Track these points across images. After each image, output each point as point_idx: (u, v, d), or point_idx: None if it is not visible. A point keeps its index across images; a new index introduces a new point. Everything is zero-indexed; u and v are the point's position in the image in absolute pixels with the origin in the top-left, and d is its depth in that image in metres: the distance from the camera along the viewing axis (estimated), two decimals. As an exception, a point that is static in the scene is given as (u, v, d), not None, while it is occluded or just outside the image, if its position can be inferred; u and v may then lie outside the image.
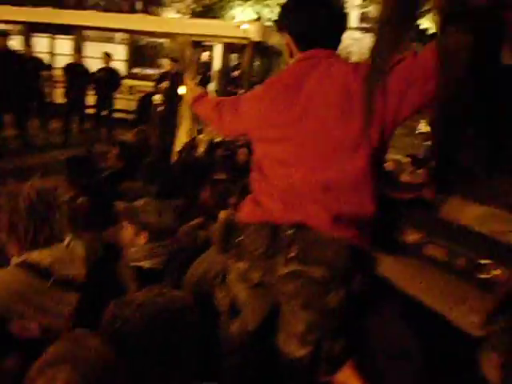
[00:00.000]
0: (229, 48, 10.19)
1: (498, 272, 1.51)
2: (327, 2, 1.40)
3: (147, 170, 3.07)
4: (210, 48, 11.09)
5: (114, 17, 12.54)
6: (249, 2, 21.09)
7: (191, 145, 4.00)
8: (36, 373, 0.88)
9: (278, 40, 11.15)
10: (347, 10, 1.53)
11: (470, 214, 1.87)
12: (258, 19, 20.56)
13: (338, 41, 1.42)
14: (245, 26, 9.43)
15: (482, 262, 1.57)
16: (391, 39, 1.01)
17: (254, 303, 1.34)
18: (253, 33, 9.31)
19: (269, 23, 21.18)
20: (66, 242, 1.40)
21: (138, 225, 1.82)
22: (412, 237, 1.67)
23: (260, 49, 9.71)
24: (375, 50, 1.11)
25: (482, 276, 1.53)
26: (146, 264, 1.69)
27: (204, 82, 10.85)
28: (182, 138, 3.77)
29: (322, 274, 1.26)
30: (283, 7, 1.49)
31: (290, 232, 1.29)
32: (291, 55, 1.47)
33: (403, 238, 1.69)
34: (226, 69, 10.35)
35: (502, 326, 1.09)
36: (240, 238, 1.38)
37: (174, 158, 3.98)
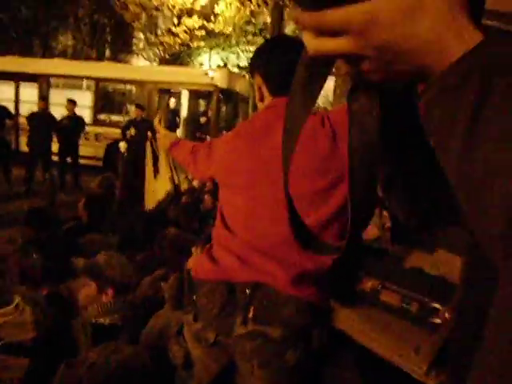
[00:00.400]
0: (196, 94, 10.43)
1: (449, 315, 1.55)
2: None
3: (110, 221, 3.04)
4: (177, 95, 11.31)
5: (81, 64, 12.71)
6: (216, 49, 21.79)
7: (175, 193, 3.98)
8: None
9: (244, 86, 11.53)
10: None
11: (421, 259, 1.94)
12: (225, 66, 21.23)
13: None
14: (211, 73, 9.70)
15: (435, 305, 1.62)
16: (303, 101, 1.07)
17: (208, 361, 1.31)
18: (219, 79, 9.57)
19: (235, 69, 21.94)
20: (14, 304, 1.37)
21: (102, 281, 1.80)
22: (368, 284, 1.71)
23: (227, 95, 9.97)
24: (287, 114, 1.17)
25: (435, 320, 1.57)
26: (106, 320, 1.65)
27: (172, 128, 11.02)
28: (163, 186, 3.73)
29: (279, 333, 1.24)
30: (258, 48, 1.48)
31: (247, 292, 1.27)
32: (261, 99, 1.44)
33: (360, 286, 1.73)
34: (193, 115, 10.55)
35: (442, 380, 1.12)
36: (195, 296, 1.36)
37: (149, 206, 3.92)
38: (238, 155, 1.37)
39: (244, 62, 22.10)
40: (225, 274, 1.32)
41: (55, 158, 8.54)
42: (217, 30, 18.45)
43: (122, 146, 5.27)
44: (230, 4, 17.54)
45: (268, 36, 12.30)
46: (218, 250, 1.38)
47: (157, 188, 4.09)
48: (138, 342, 1.59)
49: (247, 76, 19.49)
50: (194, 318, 1.34)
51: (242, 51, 21.42)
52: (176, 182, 4.13)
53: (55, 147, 8.50)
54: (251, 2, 17.74)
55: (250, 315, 1.25)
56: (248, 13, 18.08)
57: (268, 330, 1.24)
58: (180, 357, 1.35)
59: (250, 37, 20.29)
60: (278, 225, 1.26)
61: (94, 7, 21.30)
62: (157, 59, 21.45)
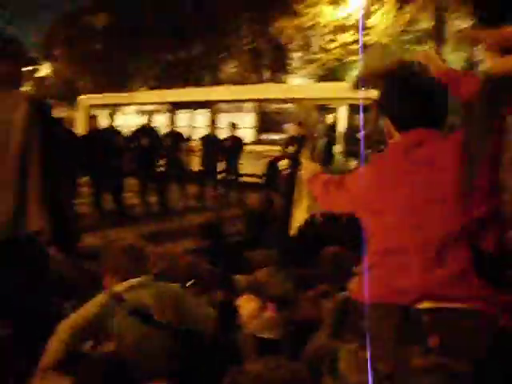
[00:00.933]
0: (353, 109, 10.28)
1: None
2: (427, 88, 1.42)
3: (271, 238, 3.14)
4: (334, 110, 11.32)
5: (243, 89, 13.71)
6: (372, 62, 21.25)
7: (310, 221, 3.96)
8: None
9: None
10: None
11: None
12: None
13: (441, 122, 1.41)
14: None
15: None
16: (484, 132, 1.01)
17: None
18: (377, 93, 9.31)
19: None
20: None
21: (264, 297, 1.84)
22: None
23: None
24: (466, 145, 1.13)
25: None
26: (267, 335, 1.69)
27: (330, 144, 11.05)
28: (300, 215, 3.73)
29: (466, 368, 1.10)
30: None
31: (426, 317, 1.16)
32: (390, 137, 1.51)
33: None
34: (351, 130, 10.41)
35: None
36: (360, 322, 1.27)
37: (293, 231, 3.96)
38: (378, 184, 1.41)
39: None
40: (396, 295, 1.23)
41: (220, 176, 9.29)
42: (372, 43, 18.04)
43: (283, 163, 5.45)
44: (384, 15, 17.03)
45: (429, 43, 11.52)
46: (383, 272, 1.31)
47: (296, 214, 4.11)
48: (297, 358, 1.58)
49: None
50: (360, 347, 1.26)
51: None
52: (312, 212, 4.11)
53: (221, 166, 9.25)
54: (407, 10, 16.96)
55: (431, 345, 1.14)
56: (405, 21, 17.32)
57: (452, 364, 1.10)
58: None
59: (408, 46, 19.35)
60: (454, 250, 1.20)
61: (253, 36, 22.85)
62: (312, 76, 21.94)
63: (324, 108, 10.81)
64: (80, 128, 11.47)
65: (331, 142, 11.08)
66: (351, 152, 10.18)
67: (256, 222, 3.72)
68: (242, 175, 9.50)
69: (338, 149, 11.39)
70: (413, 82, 1.46)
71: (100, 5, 26.30)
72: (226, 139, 9.31)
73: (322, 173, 1.89)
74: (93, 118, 8.36)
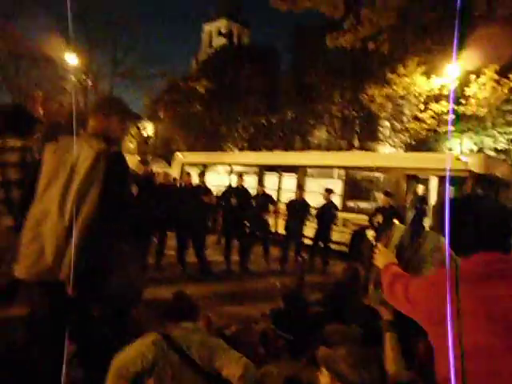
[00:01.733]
0: (445, 181, 9.84)
1: None
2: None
3: (354, 312, 3.00)
4: (425, 181, 10.94)
5: (332, 155, 13.81)
6: (468, 133, 20.53)
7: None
8: None
9: (506, 171, 10.36)
10: None
11: None
12: (480, 150, 19.68)
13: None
14: (464, 158, 9.09)
15: None
16: None
17: None
18: (474, 164, 8.87)
19: (492, 153, 20.05)
20: None
21: (334, 374, 1.75)
22: None
23: (484, 181, 9.08)
24: None
25: None
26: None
27: (420, 215, 10.58)
28: None
29: None
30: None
31: None
32: None
33: None
34: (443, 202, 9.92)
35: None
36: None
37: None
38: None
39: (503, 145, 20.07)
40: None
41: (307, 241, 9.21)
42: (469, 113, 17.49)
43: (370, 234, 5.28)
44: (484, 84, 16.52)
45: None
46: None
47: None
48: None
49: (509, 160, 17.54)
50: None
51: (500, 133, 19.52)
52: None
53: (310, 232, 9.17)
54: (510, 80, 16.31)
55: None
56: (506, 91, 16.63)
57: None
58: None
59: (510, 117, 18.44)
60: None
61: (344, 103, 23.28)
62: (403, 145, 21.60)
63: (415, 178, 10.48)
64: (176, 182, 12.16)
65: (421, 213, 10.62)
66: (441, 226, 9.61)
67: (339, 293, 3.58)
68: (330, 242, 9.34)
69: (428, 221, 10.88)
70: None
71: (203, 72, 28.68)
72: (322, 206, 9.28)
73: (393, 263, 1.94)
74: (188, 174, 8.84)
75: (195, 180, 8.99)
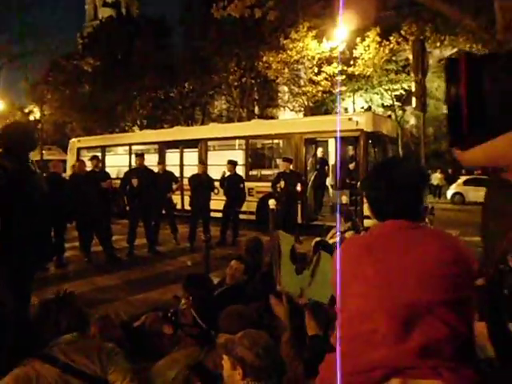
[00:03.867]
0: (343, 141, 10.31)
1: None
2: (404, 172, 1.41)
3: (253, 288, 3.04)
4: (324, 143, 11.37)
5: (232, 126, 13.81)
6: (358, 93, 21.68)
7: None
8: None
9: (391, 127, 11.09)
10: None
11: None
12: (369, 108, 20.95)
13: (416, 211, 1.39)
14: (355, 118, 9.53)
15: None
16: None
17: None
18: (364, 123, 9.34)
19: (380, 109, 21.44)
20: None
21: (234, 359, 1.74)
22: None
23: (374, 138, 9.63)
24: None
25: None
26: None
27: (321, 177, 11.05)
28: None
29: None
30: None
31: None
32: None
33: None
34: (342, 162, 10.40)
35: None
36: None
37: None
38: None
39: (388, 101, 21.57)
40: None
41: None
42: (357, 73, 18.53)
43: (271, 202, 5.38)
44: (368, 46, 17.56)
45: (411, 72, 11.67)
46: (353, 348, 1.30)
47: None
48: None
49: (393, 116, 18.94)
50: None
51: (386, 90, 21.00)
52: None
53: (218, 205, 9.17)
54: (390, 42, 17.56)
55: None
56: (387, 51, 17.88)
57: None
58: None
59: (392, 75, 19.85)
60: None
61: (241, 72, 23.24)
62: (302, 109, 22.24)
63: (313, 142, 10.84)
64: (70, 171, 11.40)
65: (322, 174, 11.09)
66: (343, 184, 10.15)
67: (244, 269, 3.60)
68: (239, 213, 9.38)
69: (329, 181, 11.41)
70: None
71: (88, 49, 26.81)
72: (225, 177, 9.25)
73: None
74: (81, 161, 8.32)
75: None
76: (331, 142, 11.33)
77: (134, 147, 13.57)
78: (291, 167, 9.02)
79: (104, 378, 2.09)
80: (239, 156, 11.10)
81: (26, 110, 29.71)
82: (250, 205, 10.27)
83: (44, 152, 19.95)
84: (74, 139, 15.99)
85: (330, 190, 11.31)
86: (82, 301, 2.81)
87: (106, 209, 7.99)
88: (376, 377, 1.18)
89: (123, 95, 24.32)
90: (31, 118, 28.29)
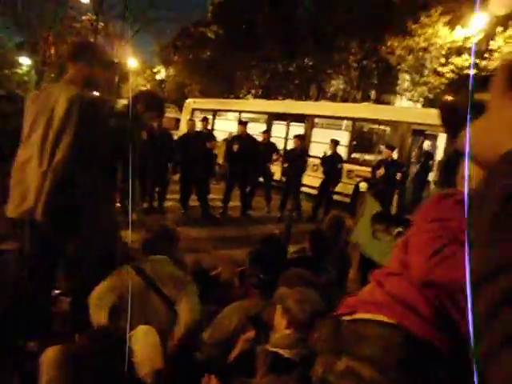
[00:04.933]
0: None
1: None
2: None
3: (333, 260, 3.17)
4: (432, 137, 10.81)
5: (341, 106, 13.63)
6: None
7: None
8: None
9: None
10: None
11: None
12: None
13: None
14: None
15: None
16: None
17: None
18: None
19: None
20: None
21: (284, 309, 1.91)
22: None
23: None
24: None
25: None
26: (284, 353, 1.73)
27: (424, 171, 10.55)
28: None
29: (370, 373, 1.16)
30: None
31: (344, 323, 1.29)
32: None
33: None
34: (449, 159, 9.81)
35: None
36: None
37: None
38: None
39: None
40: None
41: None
42: (491, 68, 16.85)
43: (362, 185, 5.36)
44: (511, 38, 15.78)
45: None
46: None
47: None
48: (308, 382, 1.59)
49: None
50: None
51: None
52: None
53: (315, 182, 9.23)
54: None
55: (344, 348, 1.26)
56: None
57: (359, 367, 1.19)
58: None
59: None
60: None
61: (363, 54, 22.54)
62: (421, 99, 21.04)
63: (421, 134, 10.35)
64: (183, 129, 12.22)
65: (426, 169, 10.58)
66: (448, 181, 9.60)
67: (320, 241, 3.71)
68: (333, 193, 9.42)
69: (431, 176, 10.86)
70: None
71: (216, 17, 27.85)
72: (326, 155, 9.30)
73: None
74: (193, 121, 8.89)
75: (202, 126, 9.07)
76: (441, 137, 10.71)
77: (244, 115, 14.06)
78: (394, 156, 8.78)
79: (174, 303, 2.43)
80: (344, 137, 11.02)
81: (155, 70, 32.02)
82: (346, 187, 10.21)
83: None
84: (189, 100, 16.92)
85: (432, 185, 10.77)
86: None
87: (208, 168, 8.54)
88: None
89: (242, 64, 25.04)
90: (157, 77, 30.63)
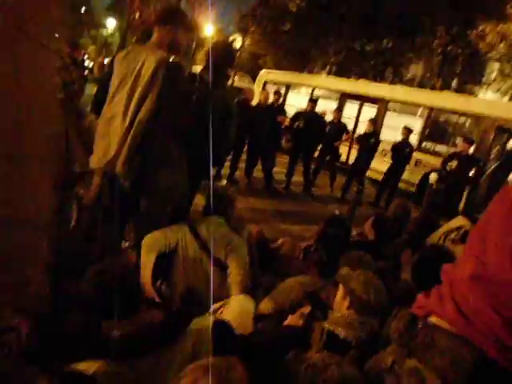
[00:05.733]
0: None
1: None
2: None
3: (394, 249, 3.11)
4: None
5: (419, 92, 12.99)
6: None
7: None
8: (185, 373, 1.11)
9: None
10: None
11: None
12: None
13: None
14: None
15: None
16: None
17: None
18: None
19: None
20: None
21: (347, 289, 1.91)
22: None
23: None
24: None
25: None
26: (342, 332, 1.74)
27: (504, 170, 9.86)
28: None
29: (435, 382, 1.15)
30: None
31: (419, 325, 1.26)
32: None
33: None
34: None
35: None
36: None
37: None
38: None
39: None
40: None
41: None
42: None
43: (432, 177, 5.13)
44: None
45: None
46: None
47: None
48: (360, 366, 1.60)
49: None
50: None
51: None
52: None
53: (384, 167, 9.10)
54: None
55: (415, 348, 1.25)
56: None
57: (426, 374, 1.19)
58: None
59: None
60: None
61: (449, 38, 21.23)
62: (510, 92, 19.66)
63: (507, 131, 9.67)
64: (256, 99, 12.22)
65: (506, 168, 9.90)
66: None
67: (384, 228, 3.63)
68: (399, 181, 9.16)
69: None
70: None
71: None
72: (398, 142, 8.97)
73: None
74: (266, 92, 8.86)
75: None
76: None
77: (316, 91, 13.82)
78: (471, 150, 8.31)
79: (225, 266, 2.56)
80: (417, 124, 10.56)
81: (231, 38, 32.14)
82: (413, 177, 9.86)
83: (236, 78, 21.62)
84: (264, 70, 16.82)
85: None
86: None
87: (276, 141, 8.56)
88: None
89: (319, 39, 24.45)
90: (233, 45, 30.78)
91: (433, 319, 1.25)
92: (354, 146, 9.65)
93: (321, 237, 3.05)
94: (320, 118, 8.86)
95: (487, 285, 1.17)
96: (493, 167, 9.62)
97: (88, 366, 1.36)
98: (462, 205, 8.96)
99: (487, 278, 1.18)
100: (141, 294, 2.38)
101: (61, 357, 1.40)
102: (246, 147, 8.25)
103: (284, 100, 13.52)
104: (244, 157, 8.33)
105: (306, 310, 2.14)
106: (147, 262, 2.52)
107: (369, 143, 8.65)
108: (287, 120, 8.62)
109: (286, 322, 2.09)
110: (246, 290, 2.57)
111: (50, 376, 1.21)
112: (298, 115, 8.85)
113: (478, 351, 1.13)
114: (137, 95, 2.56)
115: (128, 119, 2.56)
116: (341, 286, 1.98)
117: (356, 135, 10.07)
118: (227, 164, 7.96)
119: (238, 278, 2.55)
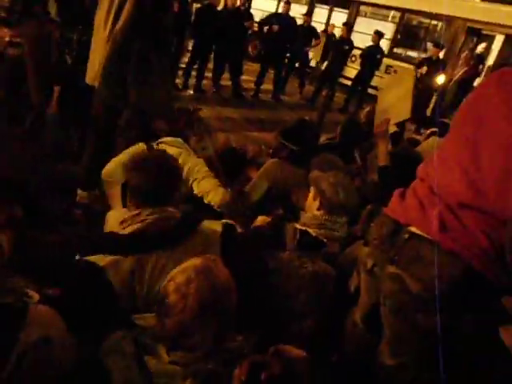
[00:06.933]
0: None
1: None
2: None
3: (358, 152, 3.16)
4: (490, 39, 9.92)
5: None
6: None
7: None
8: (174, 275, 1.14)
9: None
10: None
11: None
12: None
13: None
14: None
15: None
16: None
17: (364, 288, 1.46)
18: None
19: None
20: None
21: (318, 190, 1.95)
22: None
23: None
24: None
25: None
26: (313, 232, 1.80)
27: (471, 75, 9.87)
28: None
29: (418, 289, 1.21)
30: None
31: (404, 236, 1.29)
32: None
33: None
34: (503, 65, 9.08)
35: None
36: (372, 224, 1.46)
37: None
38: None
39: None
40: (396, 213, 1.38)
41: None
42: None
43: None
44: None
45: None
46: (409, 191, 1.40)
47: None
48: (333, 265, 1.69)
49: None
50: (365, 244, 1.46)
51: None
52: None
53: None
54: None
55: (396, 258, 1.30)
56: None
57: (408, 280, 1.25)
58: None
59: None
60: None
61: None
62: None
63: (476, 34, 9.49)
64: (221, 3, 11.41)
65: (474, 74, 9.91)
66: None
67: (352, 129, 3.64)
68: (369, 86, 9.10)
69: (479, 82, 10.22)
70: None
71: None
72: (367, 47, 8.78)
73: None
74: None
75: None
76: (498, 39, 9.79)
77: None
78: (440, 55, 8.22)
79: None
80: (389, 29, 10.24)
81: None
82: (383, 82, 9.77)
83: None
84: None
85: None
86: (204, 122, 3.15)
87: (243, 47, 8.19)
88: None
89: None
90: None
91: (414, 229, 1.28)
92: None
93: (286, 133, 2.94)
94: (294, 20, 8.46)
95: (481, 213, 1.17)
96: (461, 72, 9.60)
97: (98, 259, 1.36)
98: (429, 110, 9.06)
99: (483, 209, 1.16)
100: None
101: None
102: (212, 55, 7.89)
103: (250, 3, 12.70)
104: (211, 65, 8.00)
105: (278, 212, 2.20)
106: (114, 193, 2.38)
107: (343, 49, 8.42)
108: (255, 25, 8.19)
109: (255, 222, 2.10)
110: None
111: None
112: (270, 18, 8.40)
113: (464, 264, 1.16)
114: (115, 5, 2.63)
115: (107, 29, 2.65)
116: (312, 188, 2.01)
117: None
118: (194, 74, 7.69)
119: (205, 185, 2.38)
